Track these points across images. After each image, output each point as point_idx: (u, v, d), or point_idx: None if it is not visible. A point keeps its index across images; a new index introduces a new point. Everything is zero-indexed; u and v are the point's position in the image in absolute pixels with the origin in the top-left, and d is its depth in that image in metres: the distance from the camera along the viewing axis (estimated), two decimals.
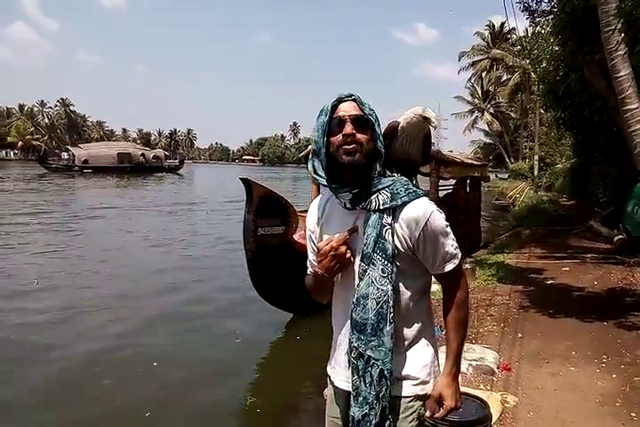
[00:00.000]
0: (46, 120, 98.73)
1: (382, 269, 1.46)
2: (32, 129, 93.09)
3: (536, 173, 25.92)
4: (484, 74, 43.02)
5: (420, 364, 1.56)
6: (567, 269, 7.86)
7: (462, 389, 3.44)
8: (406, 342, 1.54)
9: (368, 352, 1.47)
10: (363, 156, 1.46)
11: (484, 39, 43.47)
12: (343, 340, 1.58)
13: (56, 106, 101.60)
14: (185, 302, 7.21)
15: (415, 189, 1.52)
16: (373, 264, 1.47)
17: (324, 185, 1.54)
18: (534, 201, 19.40)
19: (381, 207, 1.48)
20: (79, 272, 8.86)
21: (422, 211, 1.47)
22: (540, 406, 3.45)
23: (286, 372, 5.13)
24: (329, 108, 1.49)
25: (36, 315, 6.47)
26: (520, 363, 4.18)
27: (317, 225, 1.65)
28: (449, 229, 1.52)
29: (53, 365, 5.03)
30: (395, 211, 1.48)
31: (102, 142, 66.87)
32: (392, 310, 1.46)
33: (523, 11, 10.68)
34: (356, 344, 1.49)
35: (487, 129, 45.15)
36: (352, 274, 1.53)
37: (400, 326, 1.50)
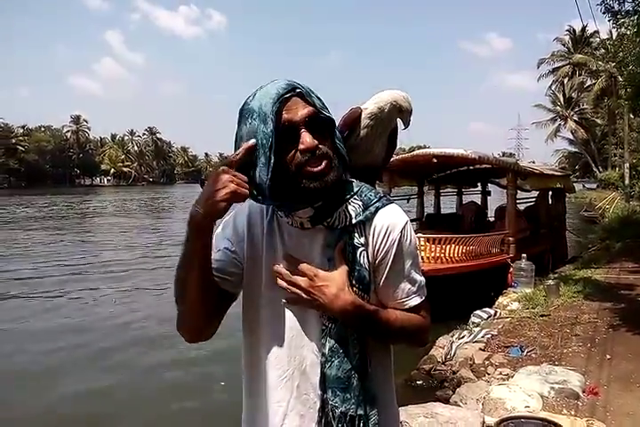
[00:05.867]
0: (135, 148, 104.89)
1: None
2: (123, 157, 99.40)
3: (627, 181, 24.34)
4: (565, 80, 41.22)
5: (396, 415, 1.23)
6: None
7: (542, 414, 3.28)
8: (382, 387, 1.16)
9: (360, 411, 1.07)
10: (336, 173, 1.06)
11: (564, 44, 41.86)
12: (292, 408, 1.11)
13: (144, 134, 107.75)
14: None
15: (383, 194, 1.17)
16: None
17: (265, 203, 1.11)
18: (626, 212, 18.19)
19: (354, 221, 1.09)
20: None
21: (398, 219, 1.11)
22: None
23: None
24: (269, 112, 1.01)
25: None
26: (608, 387, 3.90)
27: (249, 247, 1.16)
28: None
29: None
30: (364, 225, 1.10)
31: None
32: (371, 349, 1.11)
33: (604, 13, 10.23)
34: (343, 409, 1.06)
35: (571, 137, 43.04)
36: (313, 315, 1.11)
37: (376, 367, 1.13)
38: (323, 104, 1.08)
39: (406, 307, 1.13)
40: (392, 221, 1.10)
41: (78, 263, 12.53)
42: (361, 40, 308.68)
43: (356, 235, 1.09)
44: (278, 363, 1.12)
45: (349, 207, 1.10)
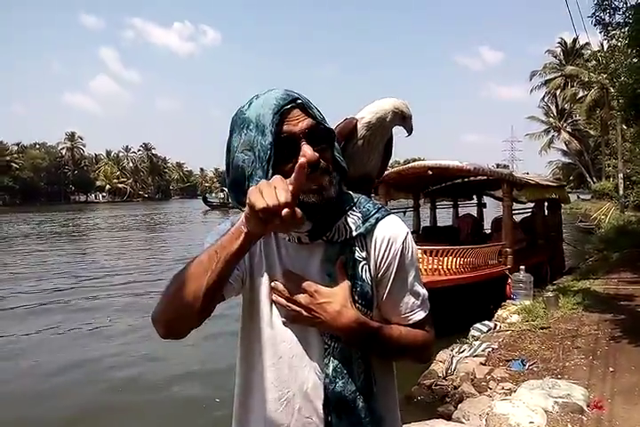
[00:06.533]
0: (130, 164, 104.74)
1: None
2: (118, 173, 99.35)
3: (621, 191, 24.48)
4: (558, 92, 41.66)
5: None
6: None
7: None
8: (387, 407, 1.11)
9: None
10: (336, 188, 1.02)
11: (555, 56, 42.37)
12: None
13: (139, 150, 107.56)
14: None
15: (381, 204, 1.12)
16: None
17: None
18: (621, 222, 18.24)
19: (354, 233, 1.04)
20: None
21: (399, 230, 1.06)
22: None
23: None
24: (268, 123, 0.96)
25: None
26: (612, 400, 3.82)
27: (245, 260, 1.07)
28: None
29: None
30: (365, 238, 1.05)
31: None
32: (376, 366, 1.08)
33: (595, 25, 10.37)
34: None
35: (565, 148, 43.37)
36: (314, 334, 1.05)
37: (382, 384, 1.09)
38: (323, 117, 1.04)
39: (410, 322, 1.08)
40: (393, 232, 1.06)
41: (69, 284, 12.34)
42: (354, 54, 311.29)
43: (357, 248, 1.04)
44: (278, 384, 1.05)
45: (349, 220, 1.05)
